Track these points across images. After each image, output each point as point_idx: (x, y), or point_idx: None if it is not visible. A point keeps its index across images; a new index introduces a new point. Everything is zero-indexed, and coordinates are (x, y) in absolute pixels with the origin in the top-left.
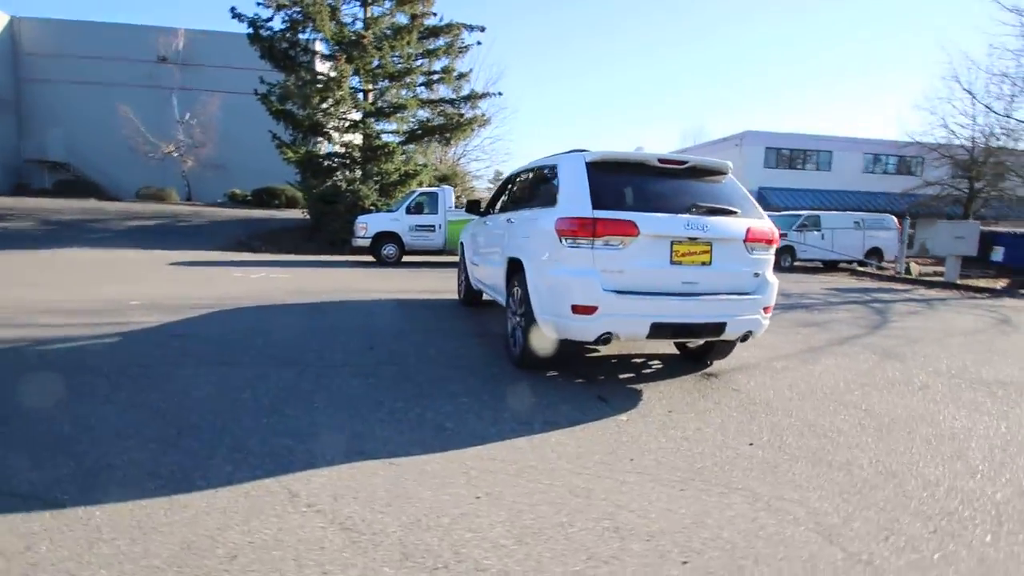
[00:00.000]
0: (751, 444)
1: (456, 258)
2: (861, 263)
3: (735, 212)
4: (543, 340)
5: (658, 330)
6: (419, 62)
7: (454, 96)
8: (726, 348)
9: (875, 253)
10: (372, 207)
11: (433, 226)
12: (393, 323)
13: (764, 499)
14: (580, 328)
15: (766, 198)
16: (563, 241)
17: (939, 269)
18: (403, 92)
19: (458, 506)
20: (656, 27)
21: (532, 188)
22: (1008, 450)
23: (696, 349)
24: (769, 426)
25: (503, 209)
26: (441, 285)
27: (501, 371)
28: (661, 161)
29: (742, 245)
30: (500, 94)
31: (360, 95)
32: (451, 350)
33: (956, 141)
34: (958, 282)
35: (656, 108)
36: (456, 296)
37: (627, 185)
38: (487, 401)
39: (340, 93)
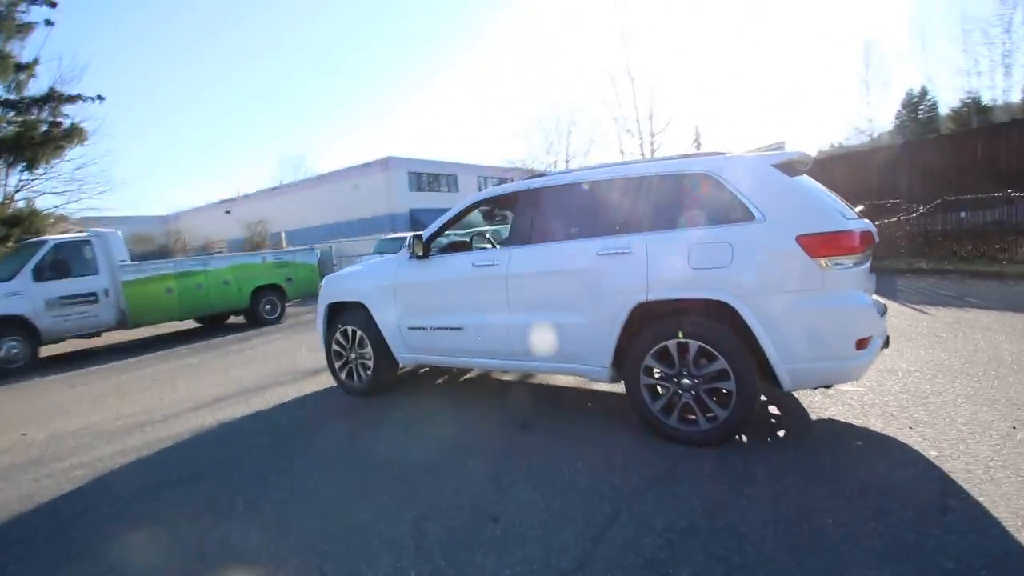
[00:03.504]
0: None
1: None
2: None
3: None
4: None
5: None
6: None
7: (15, 97)
8: None
9: None
10: None
11: (95, 294)
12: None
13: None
14: (859, 366)
15: (419, 219)
16: (823, 263)
17: None
18: None
19: None
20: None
21: (644, 204)
22: None
23: None
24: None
25: (533, 239)
26: (239, 380)
27: (679, 457)
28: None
29: None
30: (101, 98)
31: None
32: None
33: (539, 167)
34: None
35: (253, 142)
36: (332, 383)
37: None
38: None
39: None
